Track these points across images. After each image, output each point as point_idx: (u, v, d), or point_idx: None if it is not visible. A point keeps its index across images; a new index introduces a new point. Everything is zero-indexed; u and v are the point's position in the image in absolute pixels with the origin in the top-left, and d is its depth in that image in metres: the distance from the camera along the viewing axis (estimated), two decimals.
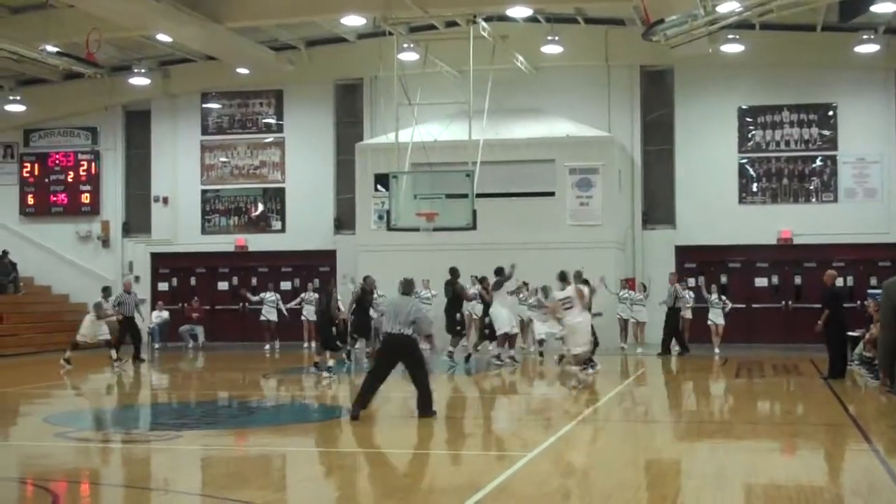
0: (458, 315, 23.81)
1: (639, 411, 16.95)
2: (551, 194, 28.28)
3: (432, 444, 13.26)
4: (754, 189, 29.82)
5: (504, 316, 22.76)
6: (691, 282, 28.79)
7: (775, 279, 29.68)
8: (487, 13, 25.69)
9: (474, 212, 23.02)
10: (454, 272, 23.80)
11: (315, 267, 31.30)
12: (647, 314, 27.20)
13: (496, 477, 10.33)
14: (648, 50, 27.30)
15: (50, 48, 26.11)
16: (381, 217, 27.35)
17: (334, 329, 21.16)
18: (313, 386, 20.01)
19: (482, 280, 23.76)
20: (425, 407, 14.42)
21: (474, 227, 23.30)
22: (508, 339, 23.17)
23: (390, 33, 25.11)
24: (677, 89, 30.28)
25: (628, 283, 27.86)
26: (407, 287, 15.16)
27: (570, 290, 18.86)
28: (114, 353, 23.34)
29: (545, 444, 12.48)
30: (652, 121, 30.50)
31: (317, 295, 27.31)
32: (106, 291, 24.50)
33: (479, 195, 23.49)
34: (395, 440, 13.28)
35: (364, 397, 14.39)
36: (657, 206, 30.36)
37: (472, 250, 26.09)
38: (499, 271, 22.73)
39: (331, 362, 20.64)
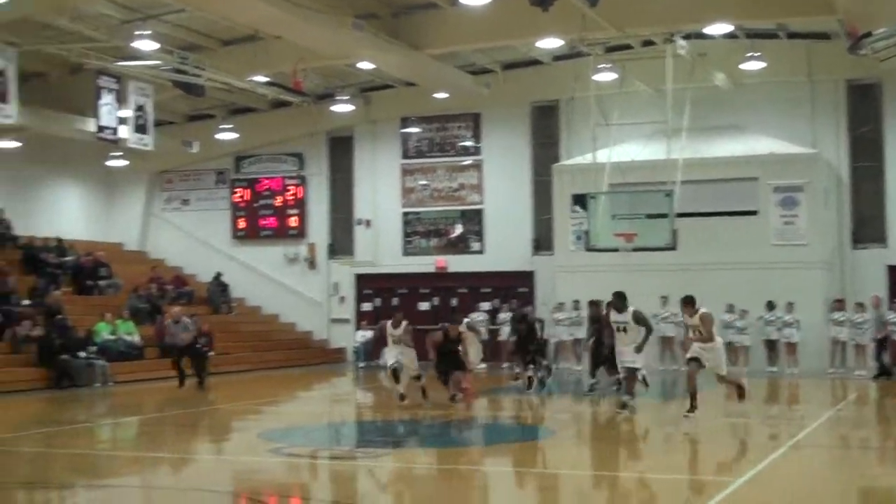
0: None
1: (853, 437, 16.38)
2: (754, 213, 27.66)
3: (627, 467, 13.19)
4: None
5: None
6: None
7: None
8: (685, 31, 25.39)
9: (674, 231, 22.77)
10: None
11: (514, 288, 31.49)
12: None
13: None
14: (854, 63, 26.34)
15: (259, 78, 27.26)
16: (579, 238, 27.39)
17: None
18: (515, 406, 20.13)
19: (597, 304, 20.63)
20: None
21: (674, 248, 23.05)
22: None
23: (587, 54, 25.12)
24: (886, 103, 29.13)
25: (836, 304, 26.89)
26: None
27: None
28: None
29: (753, 470, 12.22)
30: (859, 136, 29.41)
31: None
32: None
33: (678, 215, 23.22)
34: (594, 461, 13.25)
35: None
36: (867, 224, 29.22)
37: (672, 271, 25.76)
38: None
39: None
